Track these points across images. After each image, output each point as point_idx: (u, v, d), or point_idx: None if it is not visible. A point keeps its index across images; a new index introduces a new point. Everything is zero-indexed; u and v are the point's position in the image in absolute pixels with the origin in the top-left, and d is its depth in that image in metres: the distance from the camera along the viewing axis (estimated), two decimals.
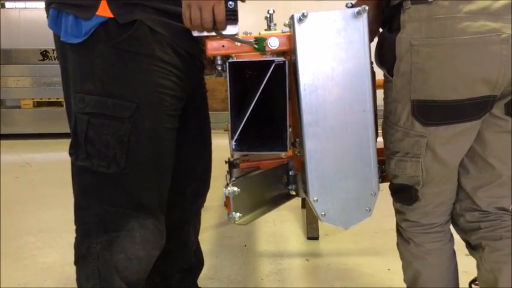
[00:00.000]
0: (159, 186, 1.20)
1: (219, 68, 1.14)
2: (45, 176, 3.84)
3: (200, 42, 1.19)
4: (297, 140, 1.19)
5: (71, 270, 2.10)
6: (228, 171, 1.30)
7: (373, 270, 2.10)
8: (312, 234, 2.46)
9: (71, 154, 1.15)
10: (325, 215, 1.12)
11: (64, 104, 1.22)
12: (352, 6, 1.13)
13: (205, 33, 1.09)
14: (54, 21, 1.13)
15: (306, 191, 1.14)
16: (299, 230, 2.60)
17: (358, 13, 1.05)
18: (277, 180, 1.32)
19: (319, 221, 2.48)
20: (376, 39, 1.24)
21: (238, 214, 1.16)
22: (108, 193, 1.14)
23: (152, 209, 1.19)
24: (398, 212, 1.31)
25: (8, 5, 6.29)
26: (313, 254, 2.29)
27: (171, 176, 1.29)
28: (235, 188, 1.15)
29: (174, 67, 1.16)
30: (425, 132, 1.11)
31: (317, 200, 1.11)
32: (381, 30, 1.25)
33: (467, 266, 1.32)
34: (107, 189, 1.14)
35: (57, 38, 1.16)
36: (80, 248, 1.18)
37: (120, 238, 1.14)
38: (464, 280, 1.43)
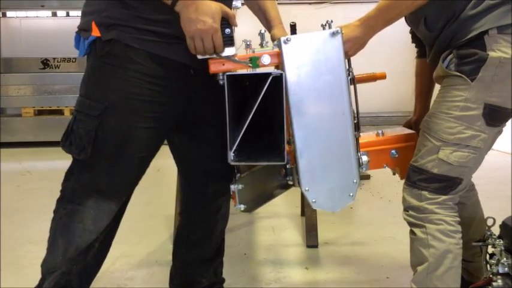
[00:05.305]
0: (121, 175, 1.43)
1: (221, 83, 1.29)
2: (46, 185, 3.84)
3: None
4: (291, 138, 1.32)
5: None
6: (235, 167, 1.44)
7: (372, 278, 2.11)
8: (312, 243, 2.47)
9: (61, 140, 1.42)
10: (315, 201, 1.32)
11: None
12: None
13: (207, 56, 1.28)
14: (77, 43, 1.43)
15: (299, 182, 1.32)
16: (298, 238, 2.60)
17: (333, 34, 1.24)
18: (276, 172, 1.50)
19: (318, 229, 2.50)
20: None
21: (243, 205, 1.39)
22: (80, 174, 1.42)
23: (110, 194, 1.42)
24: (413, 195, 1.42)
25: (9, 14, 6.30)
26: (312, 262, 2.30)
27: (192, 177, 1.63)
28: (240, 185, 1.39)
29: (151, 76, 1.35)
30: (486, 130, 1.34)
31: (308, 190, 1.31)
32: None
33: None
34: (79, 171, 1.42)
35: None
36: (56, 204, 1.46)
37: (80, 211, 1.41)
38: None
